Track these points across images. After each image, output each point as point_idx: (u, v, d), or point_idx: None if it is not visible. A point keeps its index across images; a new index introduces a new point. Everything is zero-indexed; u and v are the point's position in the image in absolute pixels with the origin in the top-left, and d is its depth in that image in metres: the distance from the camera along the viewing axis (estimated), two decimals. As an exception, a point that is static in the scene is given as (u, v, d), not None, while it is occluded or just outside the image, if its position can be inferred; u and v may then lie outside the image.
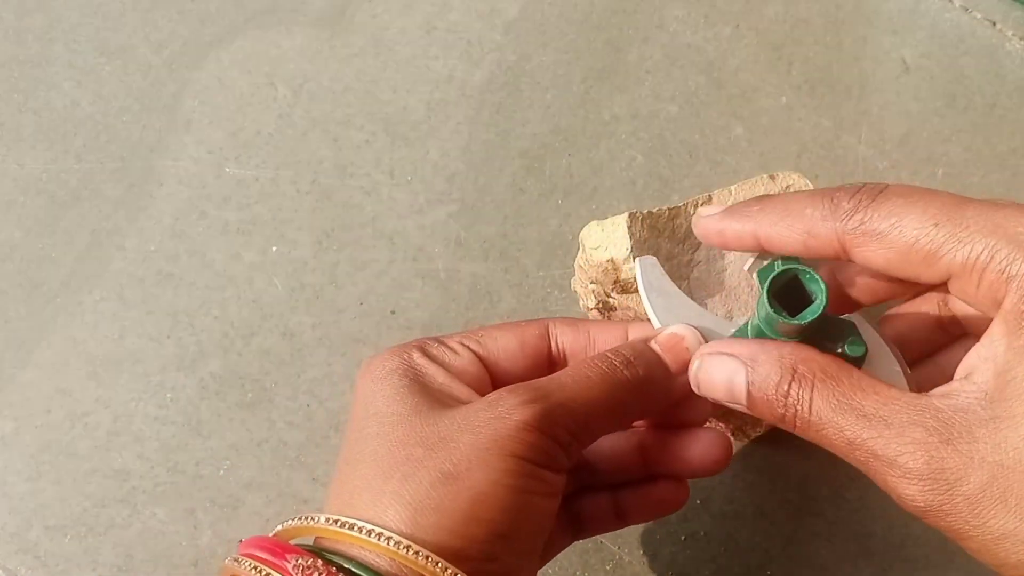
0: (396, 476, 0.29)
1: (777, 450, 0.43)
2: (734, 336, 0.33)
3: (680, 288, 0.38)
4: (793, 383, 0.29)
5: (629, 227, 0.38)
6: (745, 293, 0.39)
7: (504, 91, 0.51)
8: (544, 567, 0.36)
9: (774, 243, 0.31)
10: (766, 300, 0.30)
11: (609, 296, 0.41)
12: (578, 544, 0.38)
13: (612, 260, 0.38)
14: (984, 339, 0.29)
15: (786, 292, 0.30)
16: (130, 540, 0.43)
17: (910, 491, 0.27)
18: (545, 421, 0.30)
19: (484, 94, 0.51)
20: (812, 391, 0.29)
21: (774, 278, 0.30)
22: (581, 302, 0.43)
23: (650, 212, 0.38)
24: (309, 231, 0.48)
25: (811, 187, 0.40)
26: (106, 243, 0.48)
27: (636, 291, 0.39)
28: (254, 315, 0.47)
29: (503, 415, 0.30)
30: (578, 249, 0.41)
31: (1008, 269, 0.27)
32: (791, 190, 0.40)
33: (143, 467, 0.44)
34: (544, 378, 0.32)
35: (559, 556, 0.37)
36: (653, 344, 0.33)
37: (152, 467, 0.44)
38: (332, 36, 0.52)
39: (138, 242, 0.48)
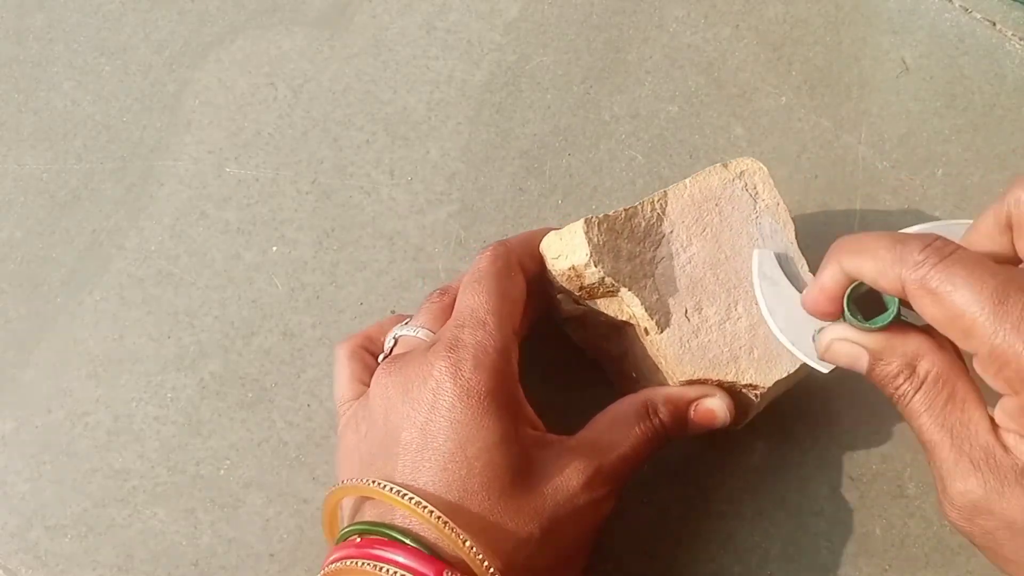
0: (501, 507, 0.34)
1: (777, 450, 0.43)
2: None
3: (646, 285, 0.38)
4: (906, 380, 0.34)
5: (586, 233, 0.38)
6: (712, 283, 0.39)
7: (504, 91, 0.51)
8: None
9: (855, 276, 0.35)
10: (845, 305, 0.35)
11: (579, 303, 0.40)
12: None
13: (574, 267, 0.38)
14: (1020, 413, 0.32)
15: (868, 300, 0.35)
16: (130, 540, 0.43)
17: (945, 507, 0.33)
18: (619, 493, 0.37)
19: (484, 94, 0.51)
20: (917, 392, 0.33)
21: (853, 288, 0.35)
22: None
23: (606, 215, 0.38)
24: (309, 231, 0.48)
25: (765, 171, 0.41)
26: (106, 243, 0.48)
27: (603, 295, 0.39)
28: (254, 315, 0.47)
29: (598, 500, 0.36)
30: None
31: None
32: (744, 176, 0.40)
33: (143, 467, 0.44)
34: (618, 455, 0.37)
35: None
36: (691, 412, 0.39)
37: (152, 467, 0.44)
38: (332, 36, 0.52)
39: (138, 242, 0.48)
